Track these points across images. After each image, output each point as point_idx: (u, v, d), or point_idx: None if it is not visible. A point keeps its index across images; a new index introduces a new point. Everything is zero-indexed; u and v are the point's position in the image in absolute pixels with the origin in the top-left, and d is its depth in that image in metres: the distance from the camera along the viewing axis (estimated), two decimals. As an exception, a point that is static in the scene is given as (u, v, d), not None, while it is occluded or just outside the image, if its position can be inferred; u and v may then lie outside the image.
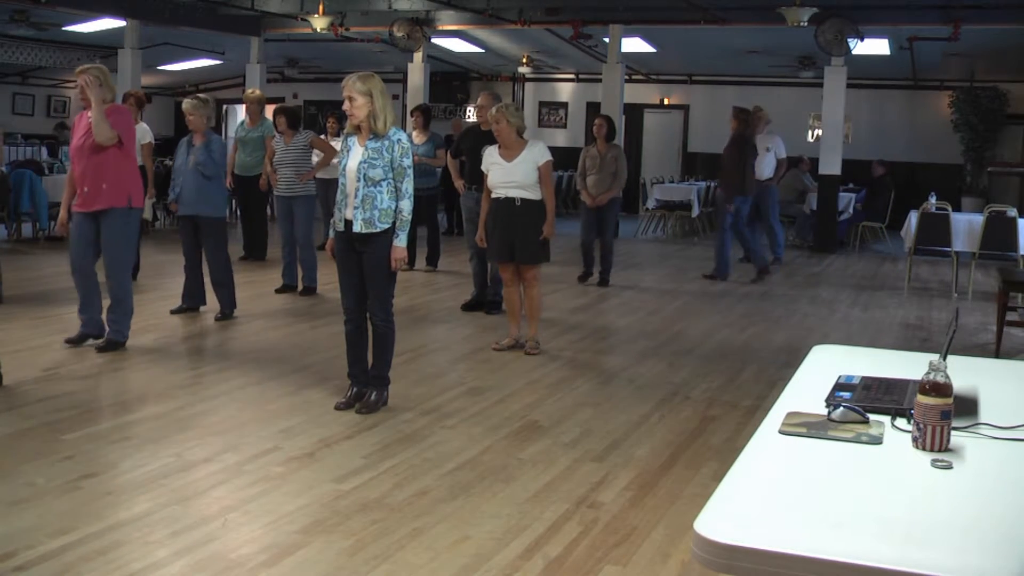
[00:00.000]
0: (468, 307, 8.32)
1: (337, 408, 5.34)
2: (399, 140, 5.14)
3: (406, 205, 5.21)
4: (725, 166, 10.75)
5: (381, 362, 5.41)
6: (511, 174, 6.67)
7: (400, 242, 5.21)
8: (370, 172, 5.11)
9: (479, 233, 6.99)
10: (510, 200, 6.70)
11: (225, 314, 7.76)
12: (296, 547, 3.60)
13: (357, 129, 5.19)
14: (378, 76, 5.19)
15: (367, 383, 5.42)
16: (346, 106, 5.10)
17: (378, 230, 5.16)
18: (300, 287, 9.03)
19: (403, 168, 5.16)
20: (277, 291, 8.99)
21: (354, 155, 5.18)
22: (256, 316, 7.97)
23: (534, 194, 6.72)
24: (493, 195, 6.79)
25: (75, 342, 6.58)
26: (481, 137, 7.76)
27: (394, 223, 5.20)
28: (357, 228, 5.16)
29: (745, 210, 10.81)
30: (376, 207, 5.14)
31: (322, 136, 11.55)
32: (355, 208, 5.15)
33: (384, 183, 5.14)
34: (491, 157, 6.78)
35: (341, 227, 5.26)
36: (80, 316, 6.64)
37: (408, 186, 5.20)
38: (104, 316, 6.63)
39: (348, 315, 5.37)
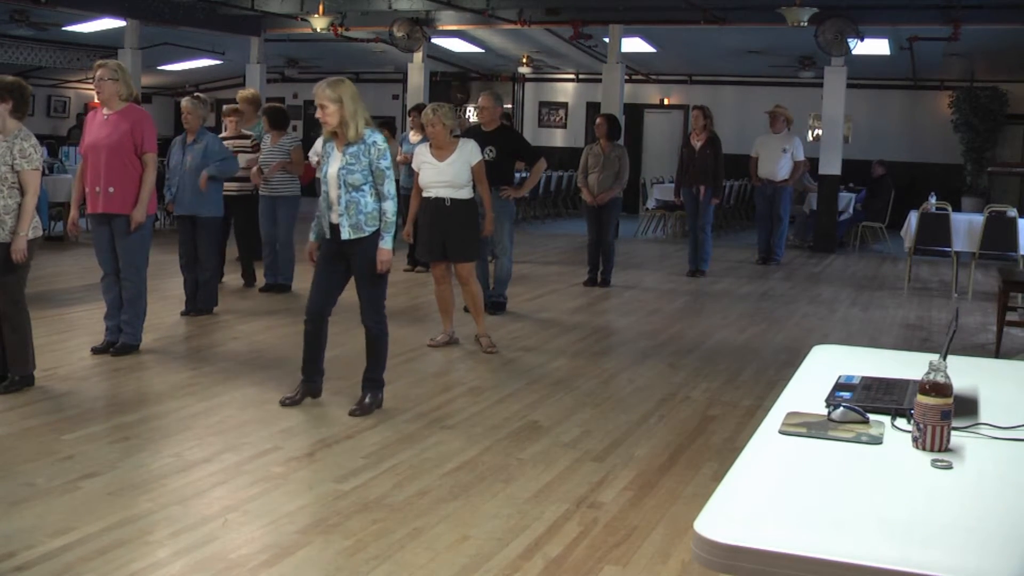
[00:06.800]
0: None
1: (282, 404, 5.36)
2: (374, 143, 5.13)
3: (389, 207, 5.21)
4: (701, 166, 10.86)
5: (375, 365, 5.40)
6: (443, 173, 6.68)
7: (386, 244, 5.21)
8: (349, 178, 5.11)
9: (406, 229, 7.03)
10: (440, 200, 6.71)
11: (201, 310, 7.78)
12: (296, 547, 3.60)
13: (334, 135, 5.17)
14: (349, 80, 5.15)
15: (320, 379, 5.47)
16: (318, 114, 5.10)
17: (366, 234, 5.18)
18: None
19: (381, 170, 5.15)
20: (261, 290, 9.00)
21: (333, 161, 5.18)
22: (255, 316, 7.96)
23: (464, 194, 6.76)
24: (424, 194, 6.79)
25: (100, 350, 6.43)
26: (483, 137, 7.74)
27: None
28: (345, 235, 5.16)
29: (710, 210, 11.17)
30: (361, 211, 5.14)
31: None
32: (340, 215, 5.15)
33: (366, 187, 5.15)
34: (422, 156, 6.76)
35: (327, 234, 5.26)
36: (106, 323, 6.52)
37: (390, 188, 5.19)
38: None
39: (309, 315, 5.38)
